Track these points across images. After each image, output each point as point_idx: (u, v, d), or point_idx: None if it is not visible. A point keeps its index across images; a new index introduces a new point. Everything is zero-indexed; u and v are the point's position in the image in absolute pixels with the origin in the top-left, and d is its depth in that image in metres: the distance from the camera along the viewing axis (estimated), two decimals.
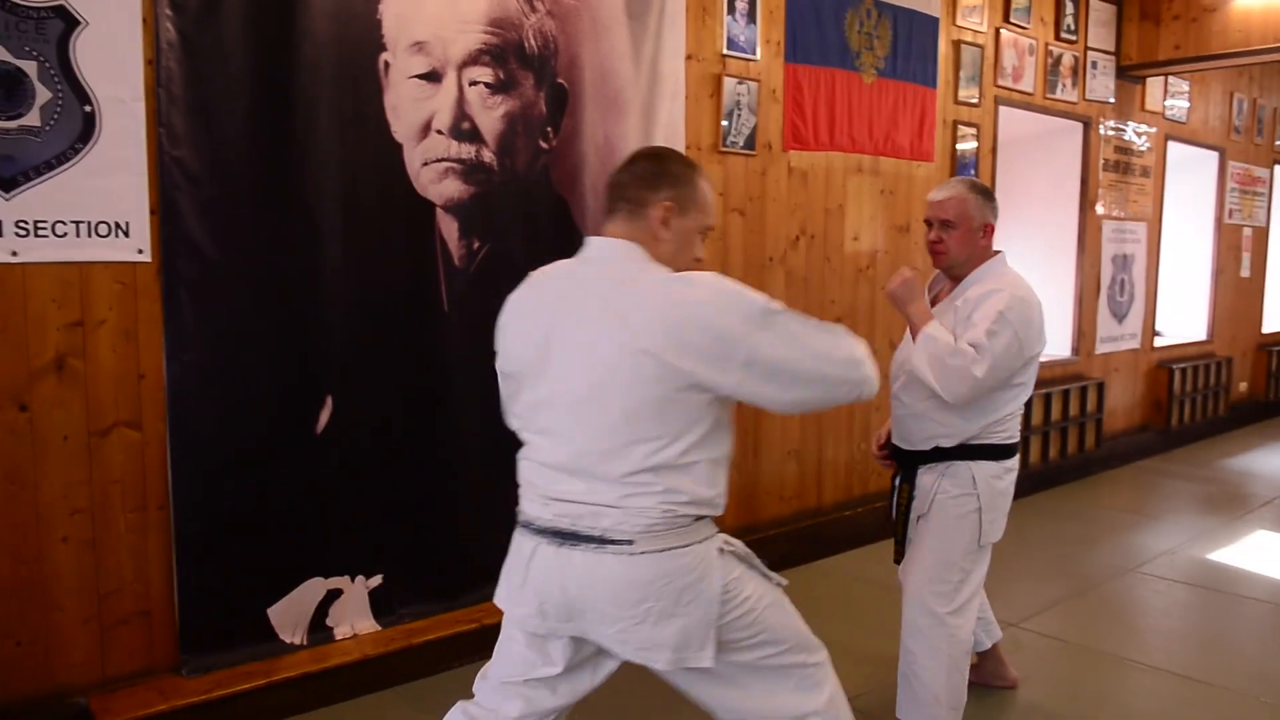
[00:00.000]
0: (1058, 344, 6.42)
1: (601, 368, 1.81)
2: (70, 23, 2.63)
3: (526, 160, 3.55)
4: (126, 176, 2.75)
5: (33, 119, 2.59)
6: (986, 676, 3.23)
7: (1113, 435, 6.95)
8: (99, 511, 2.81)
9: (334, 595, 3.24)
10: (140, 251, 2.80)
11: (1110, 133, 6.62)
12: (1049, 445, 6.26)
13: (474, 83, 3.37)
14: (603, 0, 3.72)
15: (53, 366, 2.71)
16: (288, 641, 3.14)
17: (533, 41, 3.51)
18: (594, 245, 1.97)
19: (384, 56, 3.18)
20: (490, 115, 3.42)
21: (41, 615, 2.74)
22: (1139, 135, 6.92)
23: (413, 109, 3.25)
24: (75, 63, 2.64)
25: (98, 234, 2.72)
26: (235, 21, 2.89)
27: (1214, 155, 7.90)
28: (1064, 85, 6.10)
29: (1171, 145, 7.31)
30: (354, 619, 3.29)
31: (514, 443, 2.19)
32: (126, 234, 2.77)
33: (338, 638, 3.24)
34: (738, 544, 1.97)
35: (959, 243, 2.79)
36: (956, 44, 5.28)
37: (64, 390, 2.73)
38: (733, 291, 1.81)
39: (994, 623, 3.24)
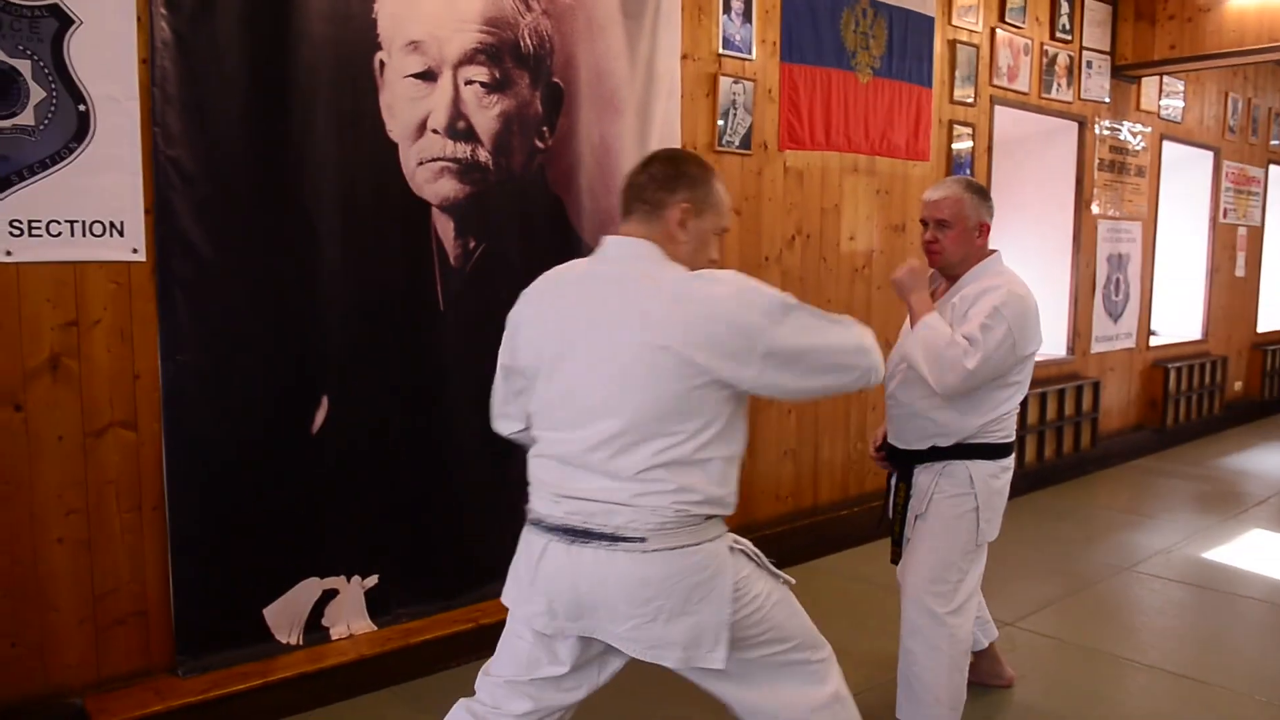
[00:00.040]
0: (1053, 343, 6.43)
1: (621, 364, 1.83)
2: (64, 22, 2.62)
3: (522, 160, 3.54)
4: (121, 176, 2.74)
5: (26, 118, 2.59)
6: (982, 675, 3.23)
7: (1108, 434, 6.96)
8: (94, 512, 2.80)
9: (330, 595, 3.24)
10: (135, 251, 2.79)
11: (1105, 132, 6.63)
12: (1044, 444, 6.27)
13: (469, 82, 3.36)
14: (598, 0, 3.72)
15: (47, 366, 2.70)
16: (284, 642, 3.14)
17: (528, 41, 3.51)
18: (612, 244, 1.98)
19: (379, 56, 3.18)
20: (486, 115, 3.42)
21: (37, 616, 2.73)
22: (1134, 135, 6.93)
23: (408, 108, 3.25)
24: (69, 62, 2.63)
25: (92, 233, 2.72)
26: (230, 20, 2.88)
27: (1209, 155, 7.91)
28: (1059, 85, 6.11)
29: (1166, 145, 7.32)
30: (350, 619, 3.28)
31: (510, 443, 2.19)
32: (121, 233, 2.76)
33: (334, 638, 3.24)
34: (746, 543, 1.99)
35: (954, 242, 2.79)
36: (952, 43, 5.29)
37: (59, 390, 2.72)
38: (753, 286, 1.86)
39: (990, 622, 3.24)
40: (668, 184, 1.95)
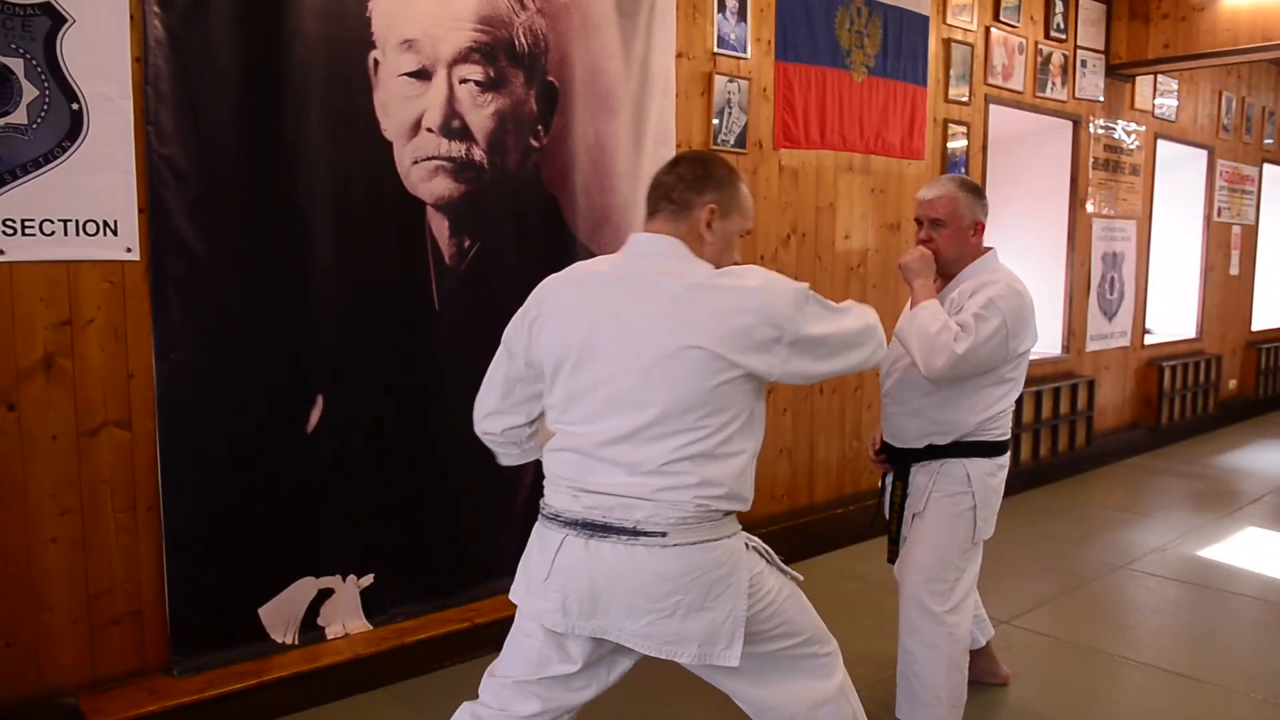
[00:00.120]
0: (1048, 342, 6.43)
1: (651, 360, 1.84)
2: (57, 20, 2.61)
3: (517, 158, 3.54)
4: (114, 175, 2.73)
5: (19, 117, 2.58)
6: (978, 673, 3.23)
7: (1103, 433, 6.97)
8: (88, 511, 2.80)
9: (325, 595, 3.23)
10: (129, 250, 2.78)
11: (1100, 131, 6.64)
12: (1040, 443, 6.28)
13: (464, 81, 3.36)
14: None
15: (41, 366, 2.69)
16: (279, 641, 3.13)
17: (523, 39, 3.50)
18: (640, 241, 2.00)
19: (373, 54, 3.18)
20: (480, 113, 3.41)
21: (31, 616, 2.73)
22: (1128, 134, 6.94)
23: (403, 107, 3.25)
24: (62, 60, 2.63)
25: (86, 232, 2.71)
26: (223, 19, 2.88)
27: (1203, 153, 7.93)
28: (1054, 84, 6.11)
29: (1161, 144, 7.34)
30: (345, 618, 3.28)
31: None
32: (115, 232, 2.76)
33: (329, 637, 3.23)
34: (756, 540, 2.02)
35: (949, 241, 2.79)
36: (946, 42, 5.29)
37: (52, 390, 2.72)
38: (777, 276, 1.90)
39: (986, 620, 3.25)
40: (695, 185, 1.98)
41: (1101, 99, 6.57)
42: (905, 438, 2.86)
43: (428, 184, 3.33)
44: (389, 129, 3.23)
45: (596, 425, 1.89)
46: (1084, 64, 6.35)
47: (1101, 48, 6.48)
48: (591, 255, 3.72)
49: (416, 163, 3.30)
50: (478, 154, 3.42)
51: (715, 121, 4.21)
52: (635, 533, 1.84)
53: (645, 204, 2.05)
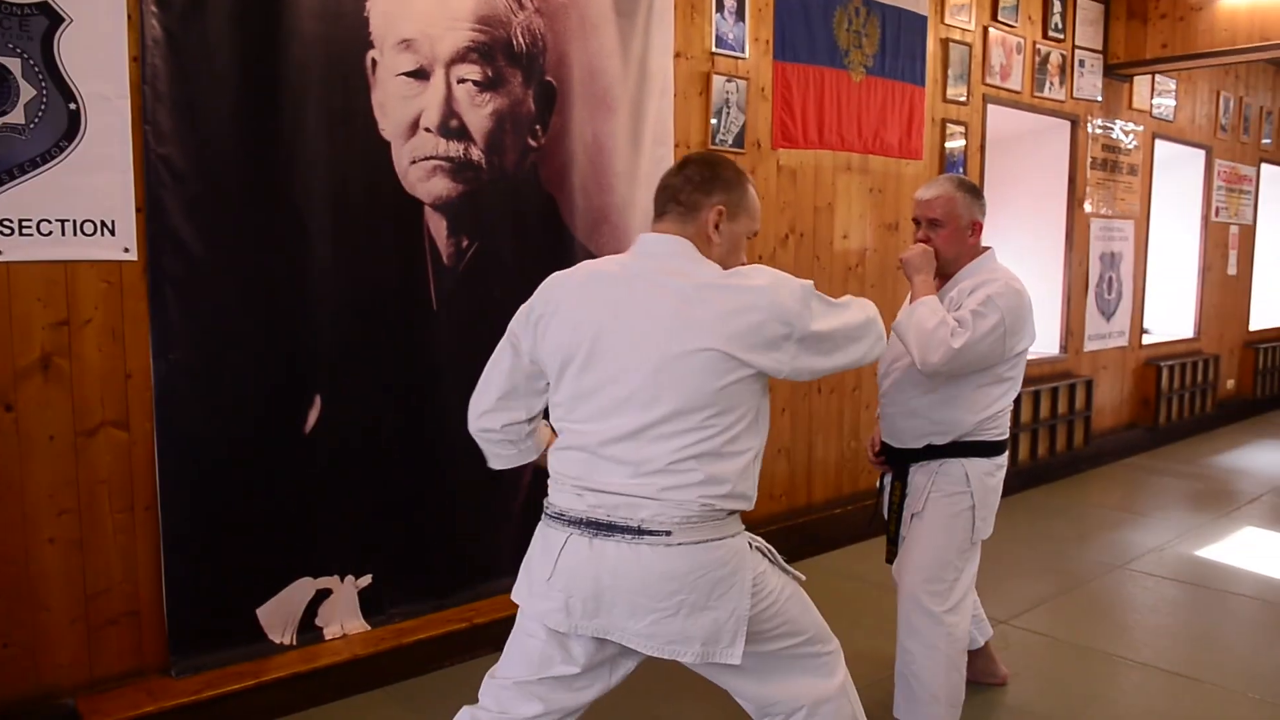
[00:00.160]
0: (1046, 341, 6.44)
1: (659, 360, 1.84)
2: (54, 20, 2.61)
3: (515, 158, 3.54)
4: (112, 174, 2.73)
5: (16, 116, 2.57)
6: (976, 673, 3.23)
7: (1101, 433, 6.98)
8: (86, 512, 2.79)
9: (323, 595, 3.23)
10: (126, 250, 2.78)
11: (1098, 131, 6.65)
12: (1038, 442, 6.28)
13: (462, 80, 3.36)
14: None
15: (38, 366, 2.69)
16: (277, 642, 3.13)
17: (521, 39, 3.50)
18: (648, 241, 2.00)
19: (371, 54, 3.17)
20: (478, 113, 3.41)
21: (28, 616, 2.72)
22: (1126, 133, 6.95)
23: (400, 107, 3.24)
24: (59, 60, 2.62)
25: (83, 232, 2.71)
26: (220, 18, 2.87)
27: (1201, 153, 7.94)
28: (1052, 83, 6.12)
29: (1159, 143, 7.34)
30: (343, 619, 3.27)
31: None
32: (112, 232, 2.75)
33: (327, 638, 3.23)
34: (760, 539, 2.03)
35: (947, 241, 2.79)
36: (944, 42, 5.29)
37: (50, 390, 2.71)
38: (784, 275, 1.91)
39: (985, 620, 3.25)
40: (703, 186, 1.98)
41: (1099, 99, 6.57)
42: (904, 438, 2.86)
43: (426, 184, 3.33)
44: (387, 129, 3.23)
45: (603, 424, 1.89)
46: (1082, 64, 6.35)
47: (1099, 47, 6.49)
48: (590, 255, 3.73)
49: (414, 162, 3.30)
50: (476, 154, 3.42)
51: (713, 121, 4.21)
52: (640, 532, 1.84)
53: (653, 205, 2.06)
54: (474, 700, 2.04)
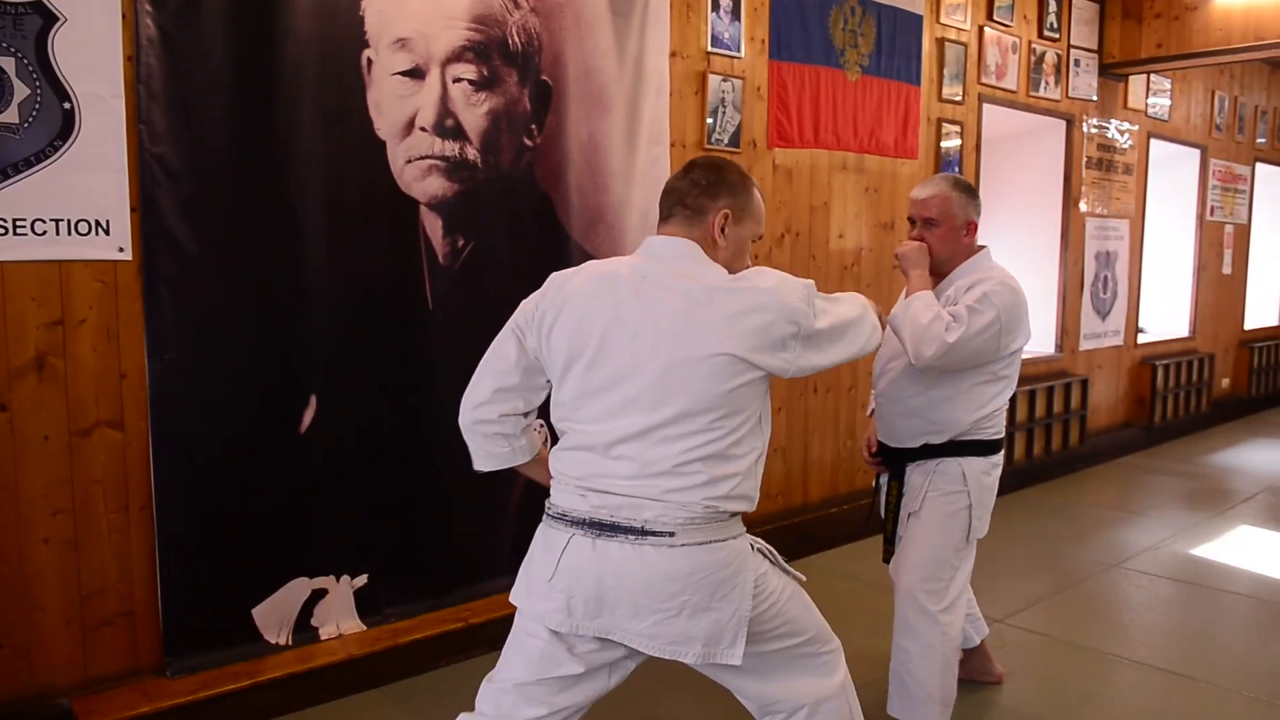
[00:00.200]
0: (1042, 341, 6.45)
1: (667, 362, 1.85)
2: (49, 19, 2.60)
3: (511, 157, 3.54)
4: (106, 174, 2.73)
5: (10, 116, 2.57)
6: (972, 672, 3.24)
7: (1096, 432, 6.99)
8: (81, 512, 2.79)
9: (319, 595, 3.23)
10: (121, 250, 2.77)
11: (1093, 130, 6.65)
12: (1033, 441, 6.29)
13: (457, 80, 3.35)
14: None
15: (33, 366, 2.68)
16: (272, 642, 3.12)
17: (516, 38, 3.50)
18: (656, 244, 2.00)
19: (366, 53, 3.17)
20: (474, 112, 3.41)
21: (23, 616, 2.72)
22: (1121, 133, 6.95)
23: (396, 106, 3.24)
24: (54, 59, 2.62)
25: (78, 232, 2.70)
26: (215, 17, 2.87)
27: (1196, 153, 7.95)
28: (1047, 83, 6.12)
29: (1154, 143, 7.35)
30: (339, 619, 3.27)
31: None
32: (107, 232, 2.75)
33: (323, 638, 3.23)
34: (761, 541, 2.04)
35: (942, 240, 2.80)
36: (940, 41, 5.30)
37: (44, 390, 2.71)
38: (787, 277, 1.93)
39: (981, 619, 3.25)
40: (709, 190, 1.99)
41: (1095, 98, 6.58)
42: (900, 437, 2.86)
43: (421, 183, 3.33)
44: (382, 128, 3.22)
45: (608, 424, 1.89)
46: (1077, 63, 6.36)
47: (1095, 47, 6.49)
48: (585, 254, 3.72)
49: (410, 162, 3.29)
50: (471, 153, 3.42)
51: (709, 121, 4.21)
52: (643, 532, 1.85)
53: (658, 208, 2.06)
54: (470, 701, 2.02)
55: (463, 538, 3.54)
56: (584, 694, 1.99)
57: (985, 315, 2.60)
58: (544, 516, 1.99)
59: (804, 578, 2.12)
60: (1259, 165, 8.93)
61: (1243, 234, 8.89)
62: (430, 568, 3.48)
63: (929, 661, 2.74)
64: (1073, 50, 6.30)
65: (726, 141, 4.28)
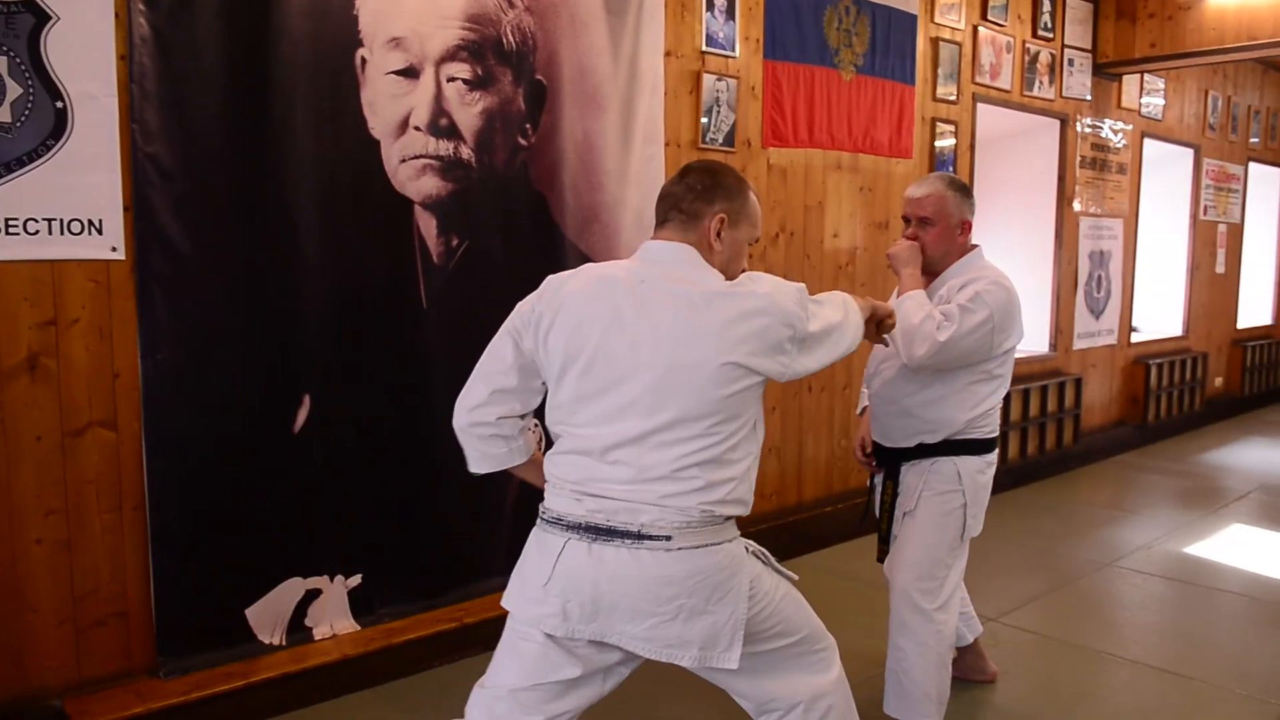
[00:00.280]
0: (1035, 340, 6.46)
1: (665, 367, 1.85)
2: (41, 18, 2.59)
3: (505, 157, 3.53)
4: (99, 173, 2.72)
5: (3, 115, 2.56)
6: (966, 670, 3.24)
7: (1090, 430, 7.00)
8: (74, 512, 2.78)
9: (313, 595, 3.22)
10: (114, 249, 2.76)
11: (1087, 130, 6.67)
12: (1027, 440, 6.30)
13: (452, 79, 3.35)
14: None
15: (25, 366, 2.67)
16: (266, 642, 3.12)
17: (511, 38, 3.50)
18: (653, 248, 2.00)
19: (360, 52, 3.16)
20: (468, 112, 3.40)
21: (15, 617, 2.71)
22: (1115, 132, 6.97)
23: (390, 105, 3.23)
24: (46, 58, 2.61)
25: (70, 231, 2.69)
26: (209, 16, 2.86)
27: (1189, 152, 7.97)
28: (1041, 82, 6.13)
29: (1147, 142, 7.37)
30: (333, 619, 3.26)
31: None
32: (100, 231, 2.74)
33: (317, 638, 3.22)
34: (753, 544, 2.05)
35: (937, 239, 2.80)
36: (934, 41, 5.30)
37: (37, 390, 2.70)
38: (782, 283, 1.95)
39: (974, 617, 3.26)
40: (705, 194, 1.99)
41: (1088, 98, 6.59)
42: (895, 437, 2.86)
43: (415, 182, 3.32)
44: (376, 127, 3.22)
45: (605, 428, 1.88)
46: (1071, 63, 6.37)
47: (1089, 47, 6.51)
48: (580, 253, 3.72)
49: (404, 161, 3.29)
50: (465, 152, 3.41)
51: (704, 120, 4.21)
52: (639, 536, 1.85)
53: (655, 213, 2.05)
54: (462, 704, 2.02)
55: (457, 537, 3.54)
56: (579, 700, 1.98)
57: (977, 314, 2.61)
58: (538, 520, 1.99)
59: (796, 577, 2.13)
60: (1252, 165, 8.96)
61: (1236, 233, 8.91)
62: (425, 568, 3.47)
63: (924, 660, 2.75)
64: (1067, 50, 6.31)
65: (721, 141, 4.28)
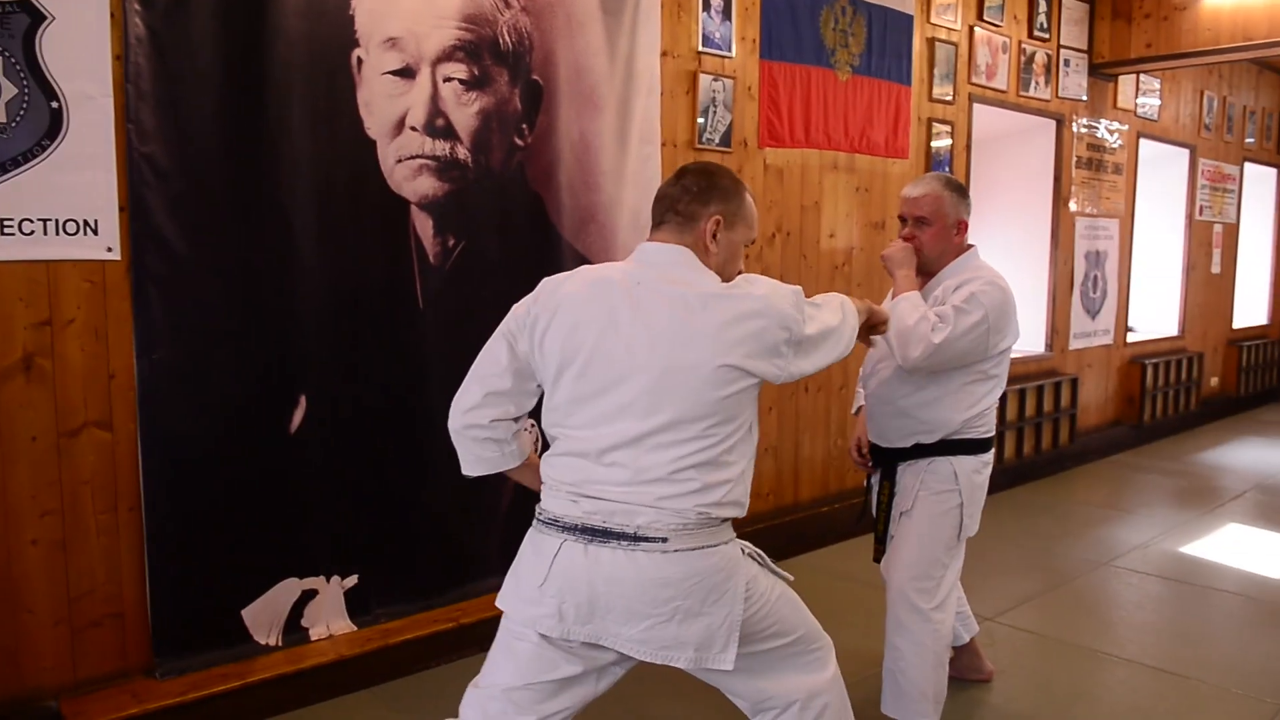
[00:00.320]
0: (1031, 340, 6.46)
1: (661, 368, 1.85)
2: (36, 17, 2.59)
3: (501, 157, 3.53)
4: (95, 173, 2.71)
5: None
6: (962, 670, 3.25)
7: (1086, 430, 7.01)
8: (69, 513, 2.77)
9: (309, 595, 3.22)
10: (109, 250, 2.76)
11: (1083, 130, 6.67)
12: (1023, 440, 6.30)
13: (448, 79, 3.35)
14: None
15: (20, 366, 2.67)
16: (262, 643, 3.11)
17: (507, 38, 3.49)
18: (649, 250, 2.00)
19: (357, 52, 3.16)
20: (465, 112, 3.40)
21: (11, 618, 2.70)
22: (1111, 132, 6.98)
23: (386, 105, 3.23)
24: (41, 58, 2.60)
25: (66, 232, 2.69)
26: (204, 16, 2.85)
27: (1185, 152, 7.98)
28: (1037, 83, 6.14)
29: (1143, 142, 7.38)
30: (329, 619, 3.26)
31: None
32: (95, 231, 2.73)
33: (313, 638, 3.22)
34: (749, 545, 2.05)
35: (933, 239, 2.80)
36: (931, 41, 5.31)
37: (32, 390, 2.69)
38: (779, 285, 1.95)
39: (971, 617, 3.26)
40: (701, 196, 1.99)
41: (1084, 98, 6.60)
42: (891, 438, 2.86)
43: (412, 183, 3.32)
44: (372, 127, 3.21)
45: (601, 430, 1.88)
46: (1067, 63, 6.37)
47: (1084, 47, 6.51)
48: (577, 253, 3.72)
49: (400, 161, 3.28)
50: (462, 152, 3.41)
51: (700, 120, 4.21)
52: (636, 538, 1.85)
53: (651, 215, 2.05)
54: (459, 704, 2.02)
55: (453, 538, 3.54)
56: (572, 699, 1.98)
57: (972, 315, 2.61)
58: (534, 521, 1.99)
59: (792, 577, 2.13)
60: (1247, 165, 8.97)
61: (1231, 233, 8.92)
62: (421, 568, 3.47)
63: (921, 659, 2.75)
64: (1062, 50, 6.32)
65: (717, 141, 4.28)
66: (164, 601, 2.91)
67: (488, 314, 2.13)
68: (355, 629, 3.30)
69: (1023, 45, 5.99)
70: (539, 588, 1.90)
